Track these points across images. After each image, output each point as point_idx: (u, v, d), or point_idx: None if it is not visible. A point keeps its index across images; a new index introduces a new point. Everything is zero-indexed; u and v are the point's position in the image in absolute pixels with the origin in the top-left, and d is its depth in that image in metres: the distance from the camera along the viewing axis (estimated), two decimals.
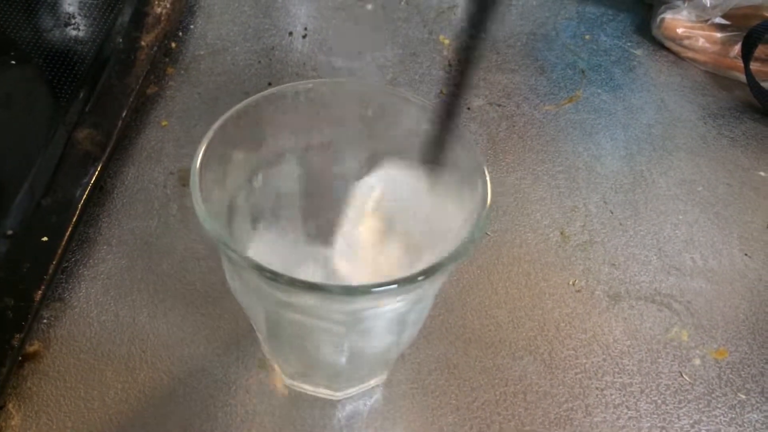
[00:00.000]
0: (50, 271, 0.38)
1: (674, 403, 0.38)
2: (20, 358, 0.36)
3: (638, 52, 0.63)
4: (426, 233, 0.31)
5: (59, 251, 0.39)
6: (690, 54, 0.62)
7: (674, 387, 0.38)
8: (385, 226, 0.31)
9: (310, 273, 0.33)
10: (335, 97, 0.33)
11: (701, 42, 0.61)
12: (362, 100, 0.33)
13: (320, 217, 0.35)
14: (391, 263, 0.31)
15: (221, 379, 0.36)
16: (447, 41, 0.61)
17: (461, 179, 0.30)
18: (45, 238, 0.39)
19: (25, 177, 0.42)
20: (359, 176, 0.31)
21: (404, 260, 0.31)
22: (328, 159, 0.34)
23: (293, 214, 0.36)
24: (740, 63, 0.58)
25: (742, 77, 0.58)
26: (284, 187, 0.35)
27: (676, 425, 0.37)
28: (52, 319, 0.38)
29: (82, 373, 0.36)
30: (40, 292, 0.37)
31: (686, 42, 0.61)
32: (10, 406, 0.34)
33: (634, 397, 0.38)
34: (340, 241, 0.30)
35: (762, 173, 0.52)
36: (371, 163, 0.32)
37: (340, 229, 0.31)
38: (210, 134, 0.30)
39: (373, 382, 0.37)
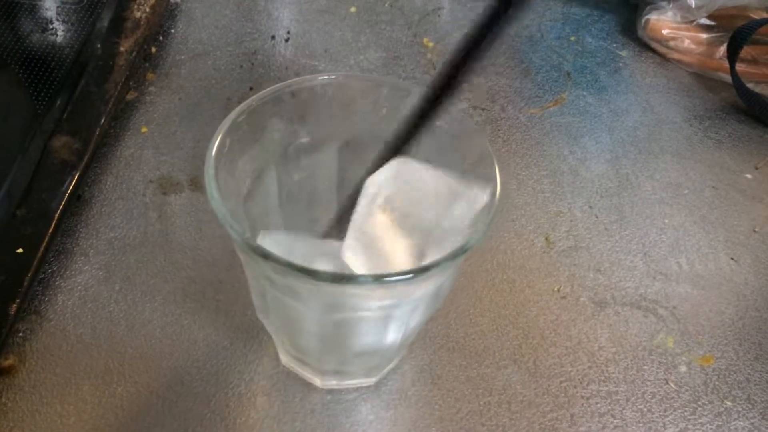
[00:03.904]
0: (25, 283, 0.37)
1: (660, 411, 0.37)
2: None
3: (623, 53, 0.63)
4: (434, 232, 0.31)
5: (35, 263, 0.38)
6: (676, 55, 0.61)
7: (660, 395, 0.38)
8: (394, 222, 0.31)
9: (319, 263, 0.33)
10: (351, 92, 0.34)
11: (687, 43, 0.61)
12: (377, 97, 0.34)
13: (332, 211, 0.36)
14: (397, 260, 0.31)
15: (200, 393, 0.36)
16: (431, 44, 0.61)
17: (473, 178, 0.30)
18: (20, 250, 0.38)
19: (0, 186, 0.41)
20: (372, 172, 0.31)
21: (409, 258, 0.30)
22: (344, 154, 0.35)
23: (307, 206, 0.37)
24: (726, 64, 0.58)
25: (728, 78, 0.58)
26: (300, 179, 0.36)
27: None
28: (28, 332, 0.37)
29: (58, 388, 0.35)
30: (14, 305, 0.36)
31: (672, 43, 0.61)
32: None
33: (620, 406, 0.37)
34: (350, 234, 0.30)
35: (748, 176, 0.52)
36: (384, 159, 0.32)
37: (350, 223, 0.31)
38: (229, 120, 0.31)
39: (356, 382, 0.37)
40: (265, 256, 0.25)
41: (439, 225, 0.30)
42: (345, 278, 0.25)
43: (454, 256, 0.26)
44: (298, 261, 0.25)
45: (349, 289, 0.27)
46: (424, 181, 0.30)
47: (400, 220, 0.30)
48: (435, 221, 0.30)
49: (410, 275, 0.25)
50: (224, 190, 0.29)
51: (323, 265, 0.32)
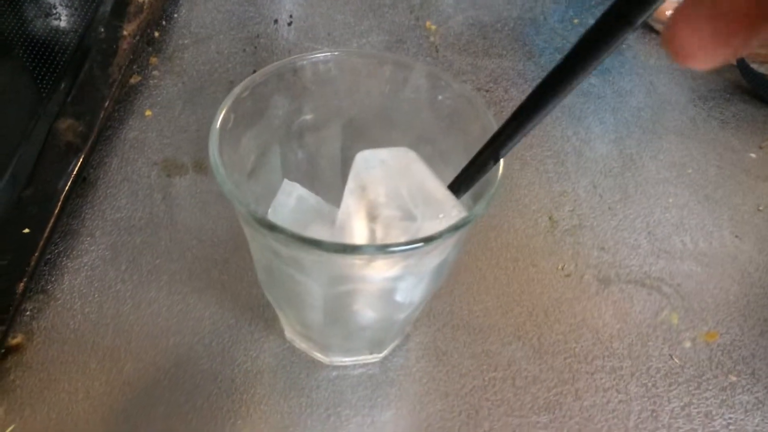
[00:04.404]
0: (32, 263, 0.38)
1: (664, 386, 0.37)
2: (3, 350, 0.35)
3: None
4: (426, 212, 0.31)
5: (41, 243, 0.39)
6: None
7: (664, 370, 0.38)
8: (369, 205, 0.31)
9: (318, 233, 0.33)
10: (355, 69, 0.34)
11: None
12: (381, 74, 0.34)
13: (336, 188, 0.36)
14: (386, 236, 0.31)
15: (206, 370, 0.36)
16: (434, 27, 0.61)
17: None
18: (27, 230, 0.39)
19: (6, 168, 0.41)
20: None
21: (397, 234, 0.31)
22: (348, 131, 0.36)
23: (311, 183, 0.37)
24: None
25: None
26: (304, 157, 0.36)
27: (666, 408, 0.36)
28: (35, 311, 0.37)
29: (65, 365, 0.36)
30: (22, 284, 0.37)
31: None
32: None
33: (624, 381, 0.37)
34: (342, 208, 0.30)
35: (752, 155, 0.52)
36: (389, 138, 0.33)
37: (344, 198, 0.31)
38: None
39: (362, 359, 0.37)
40: (271, 227, 0.25)
41: (409, 219, 0.30)
42: (349, 248, 0.25)
43: (457, 227, 0.26)
44: (300, 218, 0.25)
45: (354, 260, 0.27)
46: (415, 174, 0.30)
47: (373, 205, 0.30)
48: (408, 215, 0.30)
49: (414, 246, 0.25)
50: (228, 165, 0.29)
51: (319, 230, 0.32)
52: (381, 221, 0.29)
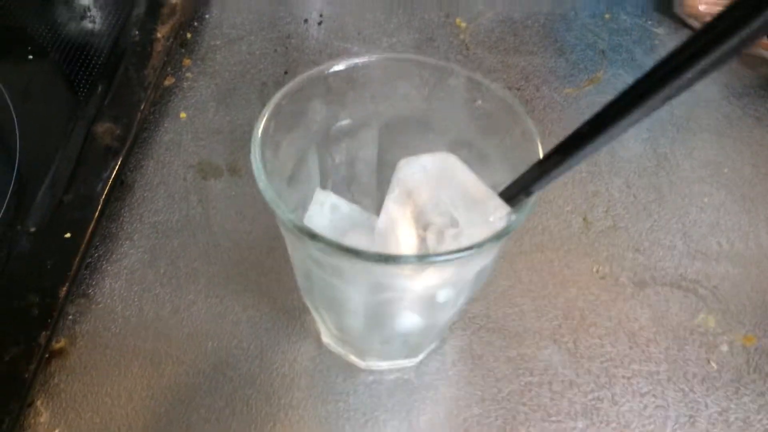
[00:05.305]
0: (74, 267, 0.38)
1: (702, 391, 0.37)
2: (47, 355, 0.36)
3: (659, 30, 0.62)
4: (470, 217, 0.31)
5: (82, 247, 0.39)
6: None
7: (702, 374, 0.38)
8: (413, 212, 0.31)
9: (356, 241, 0.33)
10: (391, 73, 0.34)
11: None
12: (419, 77, 0.34)
13: (373, 192, 0.37)
14: (432, 242, 0.31)
15: (245, 373, 0.36)
16: (464, 24, 0.61)
17: (512, 168, 0.30)
18: (68, 235, 0.39)
19: (46, 174, 0.42)
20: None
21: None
22: (385, 136, 0.36)
23: (348, 187, 0.37)
24: (765, 39, 0.57)
25: (767, 54, 0.57)
26: (341, 161, 0.36)
27: (704, 413, 0.36)
28: (77, 315, 0.38)
29: (108, 369, 0.36)
30: (64, 288, 0.37)
31: (708, 19, 0.60)
32: (38, 403, 0.35)
33: (662, 386, 0.37)
34: (383, 216, 0.30)
35: None
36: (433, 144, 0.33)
37: (384, 205, 0.31)
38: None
39: (398, 363, 0.37)
40: (312, 236, 0.25)
41: (454, 225, 0.30)
42: (390, 258, 0.26)
43: (498, 237, 0.26)
44: (337, 226, 0.25)
45: (394, 269, 0.27)
46: (456, 178, 0.30)
47: (418, 212, 0.30)
48: (452, 221, 0.30)
49: (454, 256, 0.25)
50: (270, 172, 0.29)
51: (356, 238, 0.32)
52: (427, 228, 0.29)
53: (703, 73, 0.18)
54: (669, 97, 0.19)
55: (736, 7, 0.16)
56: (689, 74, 0.18)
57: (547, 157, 0.26)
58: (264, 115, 0.30)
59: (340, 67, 0.33)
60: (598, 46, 0.60)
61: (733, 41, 0.17)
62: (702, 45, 0.18)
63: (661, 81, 0.19)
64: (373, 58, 0.33)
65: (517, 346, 0.38)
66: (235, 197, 0.45)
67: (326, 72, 0.32)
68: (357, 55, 0.33)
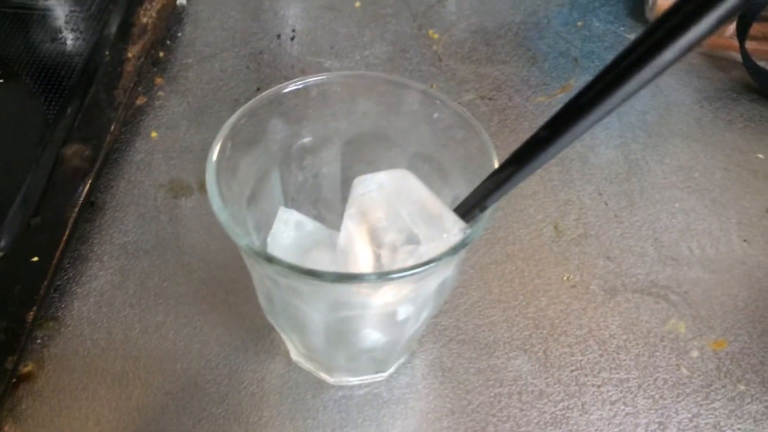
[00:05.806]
0: (42, 291, 0.38)
1: (672, 398, 0.37)
2: (14, 379, 0.36)
3: (632, 36, 0.62)
4: (428, 233, 0.31)
5: (51, 270, 0.39)
6: None
7: (672, 381, 0.38)
8: (369, 229, 0.31)
9: (319, 258, 0.33)
10: (351, 90, 0.34)
11: None
12: (377, 93, 0.34)
13: (337, 209, 0.36)
14: (389, 260, 0.31)
15: (213, 393, 0.36)
16: (437, 35, 0.61)
17: (470, 180, 0.30)
18: (35, 258, 0.39)
19: (15, 197, 0.42)
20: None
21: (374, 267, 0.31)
22: (347, 152, 0.36)
23: (313, 204, 0.38)
24: (736, 43, 0.57)
25: (738, 57, 0.57)
26: (304, 179, 0.36)
27: (674, 420, 0.36)
28: (46, 338, 0.38)
29: (76, 392, 0.36)
30: (32, 312, 0.37)
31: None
32: (6, 427, 0.35)
33: (632, 393, 0.37)
34: (342, 234, 0.30)
35: (760, 155, 0.51)
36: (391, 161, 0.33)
37: (343, 223, 0.31)
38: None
39: (367, 378, 0.37)
40: (269, 259, 0.25)
41: (412, 241, 0.30)
42: (346, 277, 0.26)
43: (455, 250, 0.26)
44: (300, 244, 0.25)
45: (351, 288, 0.27)
46: (413, 195, 0.30)
47: (373, 229, 0.30)
48: (410, 237, 0.30)
49: (410, 272, 0.25)
50: (227, 194, 0.29)
51: (320, 256, 0.32)
52: (383, 245, 0.29)
53: (659, 70, 0.17)
54: (625, 98, 0.19)
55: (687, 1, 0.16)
56: (645, 72, 0.17)
57: (498, 171, 0.26)
58: (220, 137, 0.30)
59: (297, 86, 0.33)
60: (571, 53, 0.60)
61: (688, 35, 0.16)
62: (655, 40, 0.17)
63: (617, 79, 0.18)
64: (331, 76, 0.33)
65: (487, 358, 0.38)
66: (205, 216, 0.45)
67: (283, 91, 0.32)
68: (322, 71, 0.33)
